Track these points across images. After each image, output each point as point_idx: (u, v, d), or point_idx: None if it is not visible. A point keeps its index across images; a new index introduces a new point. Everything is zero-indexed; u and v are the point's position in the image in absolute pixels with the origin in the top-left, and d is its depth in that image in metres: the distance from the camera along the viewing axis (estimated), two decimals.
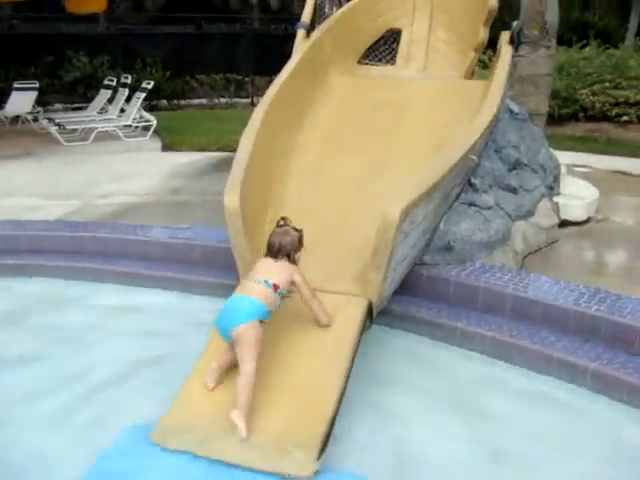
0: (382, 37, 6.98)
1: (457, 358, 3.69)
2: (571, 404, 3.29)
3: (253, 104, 16.64)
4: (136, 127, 11.09)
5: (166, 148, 10.43)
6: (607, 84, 13.04)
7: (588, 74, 13.09)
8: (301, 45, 5.93)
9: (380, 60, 6.98)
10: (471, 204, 4.57)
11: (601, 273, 5.10)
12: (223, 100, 16.30)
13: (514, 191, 5.25)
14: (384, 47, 6.99)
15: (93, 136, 10.18)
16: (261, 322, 3.02)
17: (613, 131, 12.61)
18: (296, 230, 3.30)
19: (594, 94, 12.92)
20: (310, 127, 5.31)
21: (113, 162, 9.13)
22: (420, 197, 3.42)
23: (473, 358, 3.68)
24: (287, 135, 5.02)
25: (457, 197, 4.53)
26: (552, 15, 5.86)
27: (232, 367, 3.17)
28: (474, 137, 4.08)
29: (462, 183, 4.51)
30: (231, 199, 3.63)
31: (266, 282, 3.11)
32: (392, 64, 6.93)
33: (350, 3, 6.84)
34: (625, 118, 12.60)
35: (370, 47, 6.96)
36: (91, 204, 6.71)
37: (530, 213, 5.36)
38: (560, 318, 3.71)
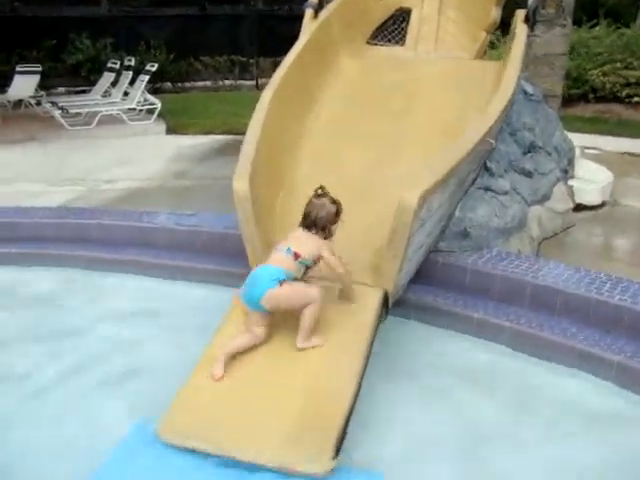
0: (391, 16, 6.80)
1: (475, 349, 3.57)
2: (596, 399, 3.18)
3: (258, 86, 16.43)
4: (140, 110, 10.95)
5: (171, 131, 10.30)
6: (618, 64, 12.79)
7: (599, 54, 12.84)
8: (309, 26, 5.75)
9: (389, 40, 6.80)
10: (487, 189, 4.43)
11: (618, 259, 4.97)
12: (227, 82, 16.11)
13: (529, 175, 5.11)
14: (393, 27, 6.81)
15: (97, 120, 10.03)
16: (283, 281, 3.01)
17: (624, 112, 12.39)
18: (334, 202, 3.21)
19: (604, 74, 12.67)
20: (319, 110, 5.16)
21: (117, 146, 9.01)
22: (437, 183, 3.28)
23: (491, 349, 3.56)
24: (296, 118, 4.88)
25: (473, 182, 4.39)
26: None
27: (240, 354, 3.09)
28: (491, 120, 3.93)
29: (478, 167, 4.37)
30: (240, 184, 3.50)
31: (288, 250, 3.09)
32: (402, 44, 6.76)
33: None
34: (636, 99, 12.35)
35: (379, 27, 6.78)
36: (95, 189, 6.59)
37: (546, 197, 5.22)
38: (581, 308, 3.58)
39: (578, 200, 6.01)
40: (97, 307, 4.25)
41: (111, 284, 4.59)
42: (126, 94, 11.29)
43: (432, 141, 4.60)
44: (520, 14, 5.47)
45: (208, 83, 16.06)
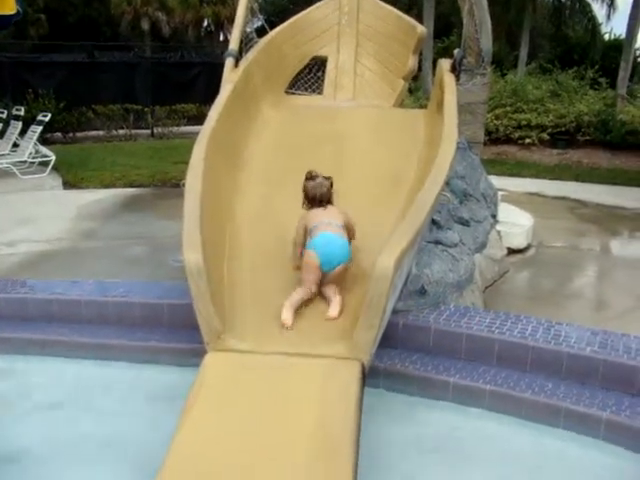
0: (307, 65, 6.70)
1: (456, 417, 3.33)
2: (587, 459, 3.03)
3: (153, 135, 15.93)
4: (32, 163, 10.21)
5: (68, 185, 9.65)
6: (508, 108, 13.51)
7: (490, 99, 13.46)
8: (230, 76, 5.47)
9: (306, 90, 6.69)
10: (437, 242, 4.31)
11: (561, 304, 5.00)
12: (122, 132, 15.44)
13: (467, 224, 5.07)
14: (310, 76, 6.71)
15: None
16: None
17: (518, 153, 13.03)
18: (326, 178, 3.77)
19: (497, 118, 13.33)
20: (250, 164, 4.87)
21: (12, 203, 8.28)
22: (409, 243, 3.09)
23: (472, 415, 3.34)
24: (229, 176, 4.56)
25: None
26: (486, 42, 5.79)
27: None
28: (445, 172, 3.81)
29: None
30: (193, 256, 3.13)
31: (337, 224, 3.58)
32: (319, 93, 6.66)
33: (274, 31, 6.51)
34: (528, 140, 13.06)
35: (296, 76, 6.65)
36: None
37: (483, 245, 5.19)
38: (554, 362, 3.47)
39: (506, 244, 6.07)
40: (17, 399, 3.67)
41: (27, 370, 4.00)
42: (15, 146, 10.51)
43: (378, 192, 4.44)
44: (444, 63, 5.49)
45: (101, 132, 15.33)
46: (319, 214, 3.64)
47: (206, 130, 4.50)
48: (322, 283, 3.51)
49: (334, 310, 3.38)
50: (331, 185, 3.74)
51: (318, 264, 3.45)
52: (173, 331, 4.07)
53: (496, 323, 3.78)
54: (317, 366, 3.02)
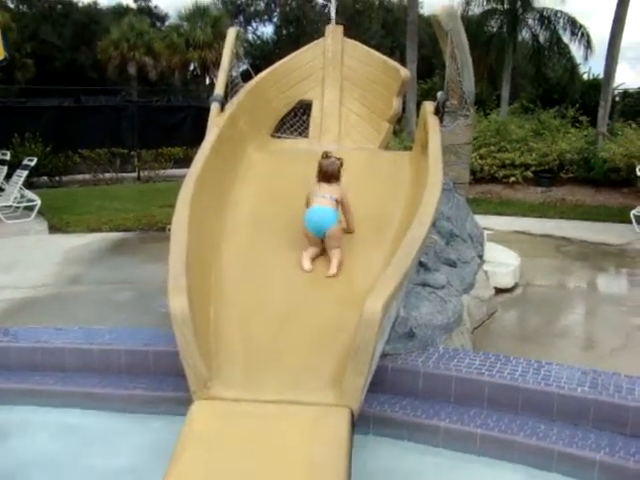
0: (293, 109, 6.77)
1: (448, 461, 3.28)
2: None
3: (140, 179, 15.95)
4: (17, 208, 10.17)
5: (54, 230, 9.58)
6: (492, 147, 13.68)
7: (474, 138, 13.66)
8: (216, 120, 5.52)
9: (292, 133, 6.74)
10: (425, 284, 4.30)
11: (551, 343, 4.97)
12: (108, 175, 15.47)
13: (454, 265, 5.07)
14: (295, 119, 6.77)
15: None
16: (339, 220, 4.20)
17: (503, 192, 13.14)
18: (337, 158, 4.35)
19: (481, 157, 13.48)
20: (236, 209, 4.87)
21: None
22: (397, 287, 3.08)
23: (464, 459, 3.29)
24: (215, 220, 4.55)
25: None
26: (469, 84, 5.89)
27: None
28: (431, 214, 3.83)
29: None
30: (178, 303, 3.10)
31: (330, 197, 4.19)
32: (305, 137, 6.71)
33: (259, 75, 6.60)
34: (512, 179, 13.20)
35: (282, 120, 6.72)
36: None
37: (471, 286, 5.19)
38: (545, 403, 3.44)
39: (493, 284, 6.06)
40: None
41: (11, 421, 3.90)
42: (0, 190, 10.49)
43: (364, 234, 4.44)
44: (428, 106, 5.57)
45: (87, 176, 15.34)
46: (322, 187, 4.25)
47: (192, 173, 4.51)
48: (325, 243, 4.17)
49: (333, 269, 3.99)
50: (341, 165, 4.35)
51: (310, 233, 4.13)
52: (159, 379, 4.01)
53: (486, 365, 3.75)
54: (306, 414, 2.98)
